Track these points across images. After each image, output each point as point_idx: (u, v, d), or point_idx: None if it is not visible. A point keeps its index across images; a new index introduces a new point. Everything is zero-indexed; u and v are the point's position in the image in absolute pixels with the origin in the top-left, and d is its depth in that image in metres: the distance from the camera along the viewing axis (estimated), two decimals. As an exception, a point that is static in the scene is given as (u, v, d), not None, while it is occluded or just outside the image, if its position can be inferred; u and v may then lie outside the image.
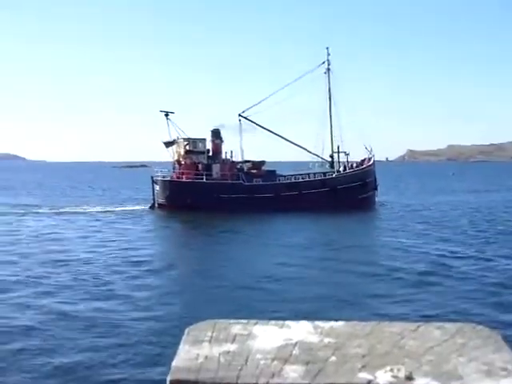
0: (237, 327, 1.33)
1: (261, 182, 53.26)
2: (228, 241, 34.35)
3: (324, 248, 30.98)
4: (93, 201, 60.16)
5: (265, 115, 59.02)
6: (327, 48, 61.01)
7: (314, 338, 1.28)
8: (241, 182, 52.45)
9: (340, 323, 1.35)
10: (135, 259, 27.03)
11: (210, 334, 1.29)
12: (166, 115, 52.96)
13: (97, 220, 43.96)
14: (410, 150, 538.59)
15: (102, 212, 49.41)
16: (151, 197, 54.00)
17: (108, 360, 13.52)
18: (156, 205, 52.81)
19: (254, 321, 1.37)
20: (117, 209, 52.11)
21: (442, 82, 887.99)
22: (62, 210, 50.25)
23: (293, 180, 55.23)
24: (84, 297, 19.67)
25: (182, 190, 50.75)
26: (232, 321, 1.37)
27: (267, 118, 58.58)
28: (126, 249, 30.21)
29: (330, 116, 60.64)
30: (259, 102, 57.37)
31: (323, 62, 60.69)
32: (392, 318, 16.13)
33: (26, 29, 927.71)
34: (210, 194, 50.40)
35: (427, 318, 16.04)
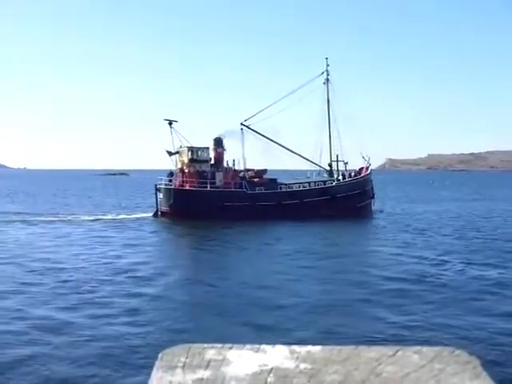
0: (211, 352, 1.30)
1: (263, 191, 54.02)
2: (230, 249, 34.44)
3: (323, 256, 31.11)
4: (97, 209, 60.34)
5: (266, 124, 59.46)
6: (326, 58, 62.35)
7: (290, 364, 1.25)
8: (244, 190, 53.09)
9: (317, 348, 1.32)
10: (139, 268, 26.60)
11: (183, 359, 1.26)
12: (170, 124, 53.34)
13: (104, 229, 44.14)
14: (390, 159, 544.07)
15: (110, 220, 49.71)
16: (154, 205, 54.35)
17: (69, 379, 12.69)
18: (159, 213, 53.21)
19: (228, 345, 1.33)
20: (119, 217, 52.42)
21: (421, 91, 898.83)
22: (72, 218, 50.49)
23: (294, 188, 56.08)
24: (68, 305, 19.20)
25: (185, 198, 51.21)
26: (206, 345, 1.33)
27: (268, 127, 59.12)
28: (132, 259, 29.57)
29: (329, 125, 61.83)
30: (261, 111, 58.37)
31: (322, 73, 61.97)
32: (374, 328, 16.64)
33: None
34: (213, 202, 50.98)
35: (411, 331, 16.33)
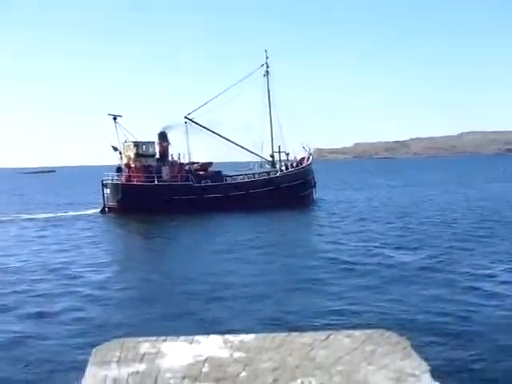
0: (145, 345, 1.29)
1: (210, 183, 54.78)
2: (174, 243, 34.79)
3: (265, 246, 31.41)
4: (38, 208, 58.99)
5: (210, 117, 60.27)
6: (265, 51, 63.26)
7: (224, 353, 1.26)
8: (191, 183, 53.68)
9: (250, 336, 1.33)
10: (77, 264, 26.87)
11: (117, 354, 1.26)
12: (115, 118, 53.14)
13: (54, 226, 43.66)
14: (318, 149, 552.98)
15: (52, 218, 48.91)
16: (101, 200, 54.06)
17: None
18: (106, 209, 53.06)
19: (162, 337, 1.33)
20: (66, 214, 51.83)
21: (348, 80, 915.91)
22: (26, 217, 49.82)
23: (239, 180, 57.09)
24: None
25: (133, 193, 51.34)
26: (140, 339, 1.33)
27: (211, 120, 59.96)
28: (74, 255, 29.73)
29: (270, 116, 63.15)
30: (204, 104, 58.92)
31: (262, 65, 63.12)
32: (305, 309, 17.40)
33: None
34: (161, 196, 51.32)
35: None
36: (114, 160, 55.81)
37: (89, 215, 51.17)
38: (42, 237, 37.95)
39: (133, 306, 18.84)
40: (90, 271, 25.20)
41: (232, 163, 72.20)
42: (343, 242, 31.84)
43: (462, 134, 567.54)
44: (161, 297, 19.88)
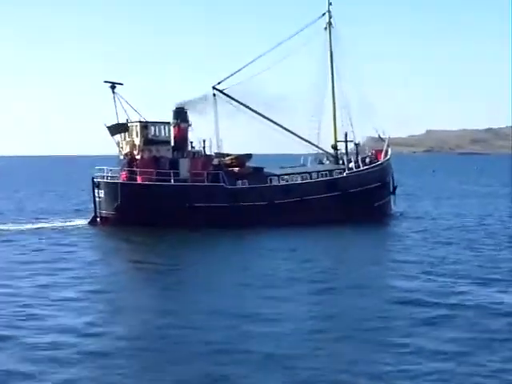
0: None
1: (247, 185, 53.08)
2: (198, 270, 35.36)
3: (322, 278, 31.94)
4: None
5: (242, 89, 58.36)
6: (327, -5, 61.11)
7: None
8: (222, 184, 51.99)
9: None
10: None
11: None
12: (113, 87, 51.82)
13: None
14: (370, 137, 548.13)
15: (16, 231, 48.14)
16: (92, 207, 52.79)
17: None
18: (98, 219, 51.58)
19: None
20: (38, 225, 50.73)
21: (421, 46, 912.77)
22: None
23: (291, 181, 55.23)
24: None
25: (138, 197, 49.79)
26: None
27: (246, 93, 58.25)
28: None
29: (333, 89, 60.74)
30: (237, 71, 57.56)
31: (323, 14, 60.93)
32: None
33: None
34: (178, 201, 50.00)
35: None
36: (111, 149, 54.90)
37: (72, 228, 50.12)
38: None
39: (136, 368, 19.10)
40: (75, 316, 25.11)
41: (273, 156, 70.68)
42: (430, 277, 32.17)
43: None
44: (174, 354, 20.35)
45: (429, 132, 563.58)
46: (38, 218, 55.93)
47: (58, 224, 51.65)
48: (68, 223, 52.14)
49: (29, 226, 50.67)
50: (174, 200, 50.11)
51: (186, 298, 29.06)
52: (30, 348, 20.61)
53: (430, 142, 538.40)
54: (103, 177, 52.97)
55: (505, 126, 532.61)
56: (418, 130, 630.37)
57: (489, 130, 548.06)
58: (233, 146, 57.86)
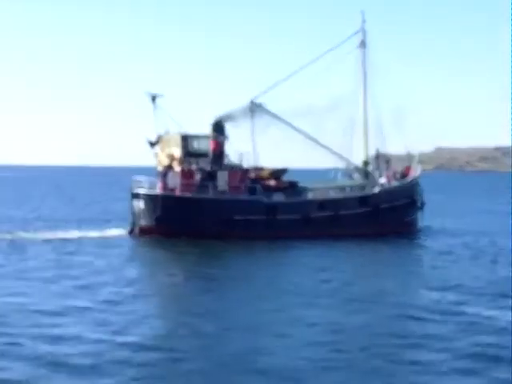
0: None
1: (284, 199, 53.76)
2: (241, 285, 35.15)
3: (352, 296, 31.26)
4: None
5: (280, 103, 58.84)
6: (362, 12, 61.41)
7: None
8: (260, 197, 52.66)
9: None
10: None
11: None
12: (153, 99, 52.35)
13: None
14: (380, 153, 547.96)
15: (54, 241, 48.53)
16: (130, 218, 53.31)
17: None
18: (136, 229, 52.11)
19: None
20: (77, 234, 51.28)
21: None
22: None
23: (326, 196, 55.95)
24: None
25: (179, 209, 50.34)
26: None
27: (281, 108, 58.70)
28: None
29: (365, 104, 61.29)
30: (275, 85, 58.20)
31: (356, 32, 61.40)
32: None
33: None
34: (218, 214, 50.52)
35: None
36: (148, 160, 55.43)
37: (112, 238, 50.74)
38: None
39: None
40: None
41: (301, 170, 70.97)
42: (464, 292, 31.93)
43: None
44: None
45: (438, 149, 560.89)
46: (80, 227, 56.60)
47: (95, 234, 52.13)
48: (107, 233, 52.79)
49: (74, 234, 51.64)
50: (213, 212, 50.63)
51: (234, 309, 29.09)
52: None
53: (440, 159, 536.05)
54: (142, 188, 53.36)
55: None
56: (427, 146, 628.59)
57: (497, 148, 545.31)
58: (265, 159, 58.20)
